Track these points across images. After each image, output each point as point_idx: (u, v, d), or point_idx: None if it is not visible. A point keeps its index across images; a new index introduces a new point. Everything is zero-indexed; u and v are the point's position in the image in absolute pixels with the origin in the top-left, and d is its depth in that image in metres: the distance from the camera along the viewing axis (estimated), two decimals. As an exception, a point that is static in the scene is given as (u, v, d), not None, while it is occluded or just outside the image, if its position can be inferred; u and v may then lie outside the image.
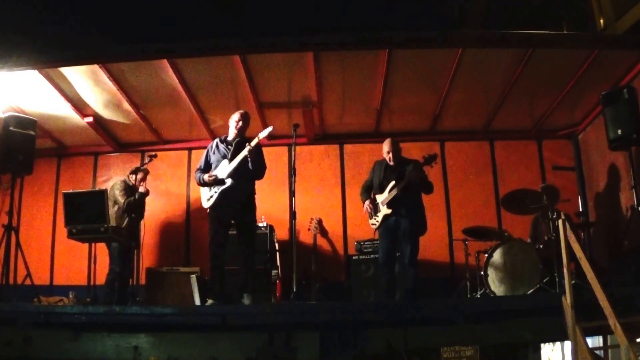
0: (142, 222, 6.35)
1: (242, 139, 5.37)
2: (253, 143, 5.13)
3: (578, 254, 4.08)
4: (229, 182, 5.16)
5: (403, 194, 5.34)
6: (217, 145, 5.42)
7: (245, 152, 5.11)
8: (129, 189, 6.19)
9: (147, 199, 6.38)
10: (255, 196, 5.38)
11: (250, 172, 5.22)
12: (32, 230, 7.24)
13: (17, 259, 5.75)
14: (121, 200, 6.10)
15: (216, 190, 5.21)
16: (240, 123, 5.37)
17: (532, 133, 7.38)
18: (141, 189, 6.23)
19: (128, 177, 6.31)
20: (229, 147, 5.34)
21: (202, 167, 5.41)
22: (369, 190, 5.70)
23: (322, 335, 4.64)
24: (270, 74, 6.07)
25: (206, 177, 5.24)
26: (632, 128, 5.33)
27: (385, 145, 5.56)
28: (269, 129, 5.23)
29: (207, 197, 5.29)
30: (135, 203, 6.12)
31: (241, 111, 5.47)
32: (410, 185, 5.33)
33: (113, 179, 7.11)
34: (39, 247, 7.16)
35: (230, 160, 5.22)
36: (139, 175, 6.24)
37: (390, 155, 5.50)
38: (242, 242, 5.25)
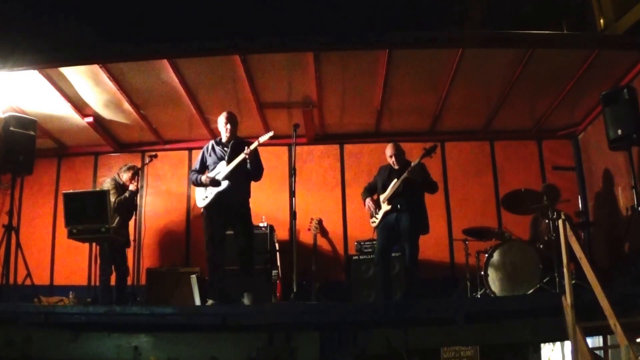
0: (132, 220, 6.30)
1: (237, 139, 5.37)
2: (252, 147, 5.12)
3: (578, 254, 4.07)
4: (225, 184, 5.16)
5: (404, 191, 5.34)
6: (212, 147, 5.41)
7: (243, 155, 5.10)
8: (120, 188, 6.17)
9: (148, 199, 6.38)
10: (250, 199, 5.37)
11: (247, 174, 5.22)
12: (32, 230, 7.23)
13: (17, 259, 5.75)
14: (112, 199, 6.07)
15: (212, 191, 5.20)
16: (228, 125, 5.34)
17: (532, 133, 7.38)
18: (131, 187, 6.19)
19: (118, 175, 6.29)
20: (225, 148, 5.33)
21: (198, 168, 5.41)
22: (370, 191, 5.71)
23: (322, 335, 4.64)
24: (270, 74, 6.06)
25: (204, 177, 5.23)
26: (632, 128, 5.31)
27: (388, 150, 5.56)
28: (270, 134, 5.24)
29: (202, 196, 5.28)
30: (126, 201, 6.10)
31: (225, 113, 5.43)
32: (410, 181, 5.33)
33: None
34: (39, 247, 7.15)
35: (228, 162, 5.21)
36: (129, 174, 6.23)
37: (394, 159, 5.50)
38: (238, 239, 5.22)
